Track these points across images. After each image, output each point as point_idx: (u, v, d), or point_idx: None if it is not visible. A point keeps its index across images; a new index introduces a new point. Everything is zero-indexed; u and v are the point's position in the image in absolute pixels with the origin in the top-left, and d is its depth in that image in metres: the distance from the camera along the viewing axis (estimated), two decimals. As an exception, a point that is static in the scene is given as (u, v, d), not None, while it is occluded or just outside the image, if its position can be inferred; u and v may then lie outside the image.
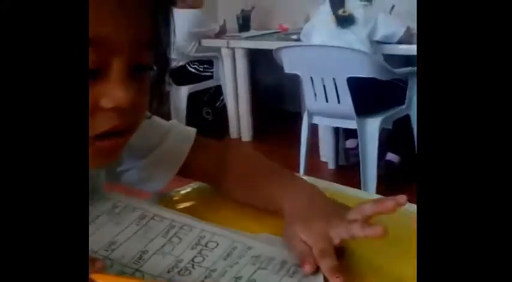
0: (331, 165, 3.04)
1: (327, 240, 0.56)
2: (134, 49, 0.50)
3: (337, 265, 0.53)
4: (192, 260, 0.57)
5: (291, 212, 0.62)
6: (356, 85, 2.30)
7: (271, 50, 2.58)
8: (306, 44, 2.64)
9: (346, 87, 2.31)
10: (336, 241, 0.55)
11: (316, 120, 2.60)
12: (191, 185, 0.82)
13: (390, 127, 2.57)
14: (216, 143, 0.79)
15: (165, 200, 0.76)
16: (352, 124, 2.42)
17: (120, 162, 0.75)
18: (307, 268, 0.54)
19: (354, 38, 2.45)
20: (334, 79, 2.33)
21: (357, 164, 2.56)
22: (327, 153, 3.07)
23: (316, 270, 0.54)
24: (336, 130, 2.98)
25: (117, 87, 0.50)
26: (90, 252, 0.57)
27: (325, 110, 2.48)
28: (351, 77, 2.29)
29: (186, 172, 0.76)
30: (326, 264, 0.53)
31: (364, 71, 2.27)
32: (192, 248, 0.59)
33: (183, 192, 0.81)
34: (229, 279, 0.53)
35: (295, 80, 3.35)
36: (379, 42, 2.52)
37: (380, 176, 2.43)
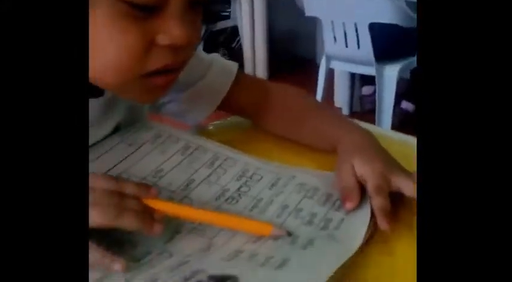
0: (345, 111, 3.05)
1: (386, 180, 0.56)
2: None
3: (389, 207, 0.54)
4: (238, 189, 0.59)
5: (348, 147, 0.62)
6: (377, 31, 2.28)
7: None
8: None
9: (368, 32, 2.29)
10: (394, 188, 0.56)
11: (334, 64, 2.58)
12: (229, 119, 0.84)
13: (408, 77, 2.56)
14: (258, 79, 0.80)
15: (204, 132, 0.78)
16: (370, 70, 2.41)
17: None
18: (349, 205, 0.55)
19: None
20: (355, 24, 2.31)
21: (371, 111, 2.57)
22: (341, 99, 3.07)
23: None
24: (352, 76, 2.97)
25: (175, 24, 0.51)
26: (138, 179, 0.59)
27: (344, 54, 2.46)
28: (372, 23, 2.26)
29: (226, 106, 0.77)
30: (379, 201, 0.54)
31: (386, 17, 2.24)
32: (237, 179, 0.61)
33: (221, 125, 0.82)
34: (276, 207, 0.55)
35: (311, 26, 3.32)
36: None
37: (394, 124, 2.44)
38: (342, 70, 2.81)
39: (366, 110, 2.97)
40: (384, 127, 2.44)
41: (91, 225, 0.45)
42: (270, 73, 3.64)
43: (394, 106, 2.47)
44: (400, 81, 2.48)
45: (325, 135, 0.68)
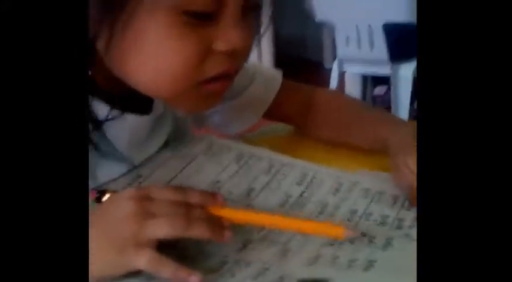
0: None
1: None
2: None
3: None
4: (301, 195, 0.59)
5: (399, 143, 0.61)
6: (392, 30, 2.28)
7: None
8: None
9: (381, 32, 2.28)
10: None
11: (346, 67, 2.58)
12: (268, 126, 0.83)
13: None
14: (301, 85, 0.80)
15: (248, 140, 0.77)
16: (384, 70, 2.40)
17: None
18: None
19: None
20: (369, 25, 2.31)
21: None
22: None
23: None
24: (364, 77, 2.96)
25: (232, 30, 0.51)
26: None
27: (357, 56, 2.46)
28: (387, 23, 2.26)
29: (270, 114, 0.77)
30: None
31: (401, 16, 2.23)
32: (298, 184, 0.60)
33: (261, 133, 0.82)
34: (345, 212, 0.55)
35: (317, 29, 3.32)
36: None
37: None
38: (355, 72, 2.81)
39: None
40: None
41: (161, 237, 0.45)
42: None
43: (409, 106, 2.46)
44: (414, 81, 2.47)
45: (373, 135, 0.68)
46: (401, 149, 0.60)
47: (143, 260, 0.44)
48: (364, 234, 0.50)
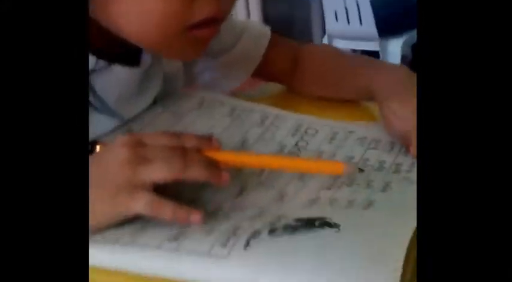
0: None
1: None
2: None
3: None
4: (296, 144, 0.58)
5: (383, 89, 0.60)
6: (379, 5, 2.27)
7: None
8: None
9: (370, 8, 2.28)
10: None
11: (336, 43, 2.58)
12: (260, 86, 0.82)
13: (410, 54, 2.55)
14: (289, 41, 0.78)
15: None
16: (374, 46, 2.41)
17: (194, 63, 0.75)
18: (415, 151, 0.53)
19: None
20: (357, 1, 2.30)
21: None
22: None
23: None
24: (354, 52, 2.96)
25: None
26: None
27: (346, 32, 2.46)
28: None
29: (260, 72, 0.76)
30: None
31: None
32: (293, 135, 0.59)
33: (255, 92, 0.81)
34: (341, 159, 0.54)
35: (305, 8, 3.30)
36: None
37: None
38: (344, 48, 2.80)
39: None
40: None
41: (158, 180, 0.44)
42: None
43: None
44: (402, 58, 2.48)
45: (357, 84, 0.67)
46: (385, 96, 0.59)
47: (140, 203, 0.43)
48: (361, 170, 0.49)
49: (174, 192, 0.49)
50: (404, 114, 0.54)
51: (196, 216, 0.43)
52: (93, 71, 0.56)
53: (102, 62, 0.57)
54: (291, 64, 0.76)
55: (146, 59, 0.63)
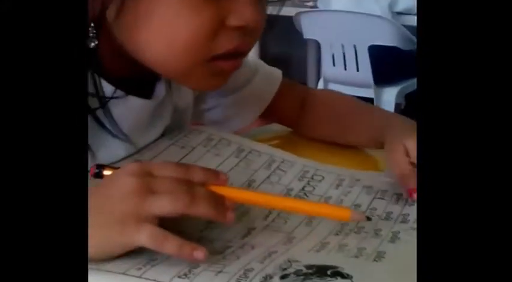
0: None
1: None
2: None
3: None
4: (303, 189, 0.58)
5: (399, 130, 0.61)
6: (376, 53, 2.31)
7: (284, 16, 2.56)
8: (328, 9, 2.63)
9: (367, 55, 2.32)
10: None
11: (331, 87, 2.60)
12: (264, 127, 0.83)
13: (403, 102, 2.58)
14: (297, 84, 0.80)
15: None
16: (368, 93, 2.43)
17: (204, 99, 0.76)
18: (416, 195, 0.53)
19: (375, 6, 2.45)
20: (355, 46, 2.34)
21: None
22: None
23: None
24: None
25: (247, 5, 0.50)
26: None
27: (342, 77, 2.49)
28: (372, 45, 2.29)
29: (268, 113, 0.77)
30: None
31: (387, 39, 2.27)
32: (299, 180, 0.60)
33: (258, 132, 0.82)
34: (348, 205, 0.55)
35: (302, 48, 3.34)
36: (399, 13, 2.52)
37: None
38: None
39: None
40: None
41: (164, 213, 0.44)
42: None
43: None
44: (396, 106, 2.50)
45: (372, 131, 0.68)
46: (399, 135, 0.60)
47: (144, 235, 0.43)
48: (369, 218, 0.49)
49: (180, 229, 0.49)
50: (412, 144, 0.56)
51: (200, 253, 0.42)
52: (112, 98, 0.57)
53: (119, 92, 0.58)
54: (299, 107, 0.77)
55: (160, 91, 0.64)
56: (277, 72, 0.77)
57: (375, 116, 0.70)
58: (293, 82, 0.79)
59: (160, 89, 0.64)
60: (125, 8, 0.50)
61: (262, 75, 0.75)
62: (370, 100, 2.44)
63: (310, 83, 3.26)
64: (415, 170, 0.55)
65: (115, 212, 0.43)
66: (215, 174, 0.48)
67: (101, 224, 0.43)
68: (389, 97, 2.40)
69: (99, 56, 0.55)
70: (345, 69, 2.43)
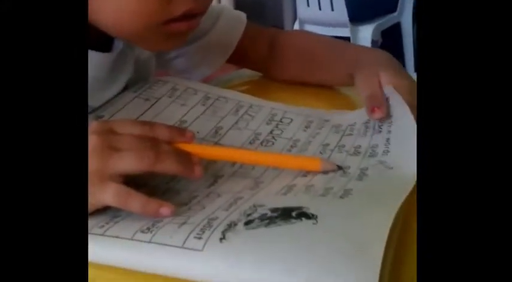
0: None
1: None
2: None
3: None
4: (271, 132, 0.57)
5: (371, 62, 0.60)
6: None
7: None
8: None
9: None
10: None
11: (307, 28, 2.57)
12: (234, 72, 0.81)
13: (380, 38, 2.56)
14: (264, 28, 0.77)
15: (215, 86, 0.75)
16: (344, 32, 2.40)
17: None
18: (377, 114, 0.53)
19: None
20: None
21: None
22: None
23: None
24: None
25: None
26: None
27: (317, 17, 2.45)
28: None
29: (235, 58, 0.75)
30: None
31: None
32: (267, 123, 0.59)
33: (226, 79, 0.80)
34: (317, 146, 0.54)
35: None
36: None
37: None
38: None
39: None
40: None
41: (128, 171, 0.43)
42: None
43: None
44: (373, 44, 2.48)
45: (344, 66, 0.66)
46: (372, 66, 0.59)
47: (109, 194, 0.42)
48: (340, 167, 0.48)
49: (146, 181, 0.48)
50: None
51: (166, 209, 0.42)
52: None
53: None
54: (268, 50, 0.75)
55: (118, 44, 0.62)
56: (241, 16, 0.75)
57: (346, 51, 0.68)
58: (258, 26, 0.77)
59: (118, 42, 0.61)
60: None
61: (226, 20, 0.73)
62: (346, 39, 2.41)
63: (287, 24, 3.22)
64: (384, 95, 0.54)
65: None
66: (181, 132, 0.48)
67: None
68: (365, 34, 2.38)
69: None
70: (320, 9, 2.39)
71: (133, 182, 0.44)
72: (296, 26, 2.58)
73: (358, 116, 0.57)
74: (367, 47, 0.68)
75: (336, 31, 2.47)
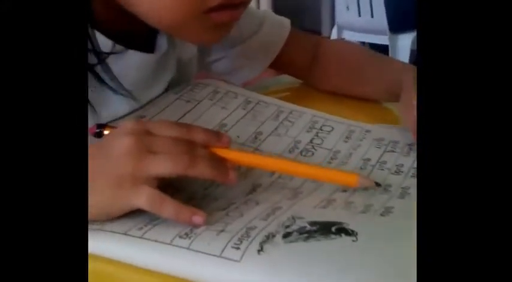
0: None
1: None
2: None
3: None
4: (311, 141, 0.57)
5: (411, 83, 0.58)
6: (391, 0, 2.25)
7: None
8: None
9: (382, 1, 2.26)
10: None
11: (345, 34, 2.55)
12: (274, 78, 0.81)
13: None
14: (307, 34, 0.77)
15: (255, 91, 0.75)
16: (383, 40, 2.38)
17: (210, 51, 0.73)
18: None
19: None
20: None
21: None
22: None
23: None
24: (362, 45, 2.94)
25: None
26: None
27: (356, 24, 2.44)
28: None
29: (277, 64, 0.75)
30: None
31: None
32: (308, 131, 0.58)
33: (268, 84, 0.80)
34: (357, 160, 0.53)
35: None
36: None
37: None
38: (353, 40, 2.78)
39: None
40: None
41: (162, 175, 0.42)
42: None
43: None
44: (411, 52, 2.45)
45: (386, 82, 0.66)
46: (411, 92, 0.57)
47: (142, 197, 0.41)
48: (378, 184, 0.47)
49: (184, 186, 0.48)
50: None
51: (199, 218, 0.41)
52: (110, 54, 0.56)
53: (119, 47, 0.56)
54: (310, 58, 0.75)
55: (161, 45, 0.62)
56: (286, 22, 0.74)
57: (389, 68, 0.67)
58: (303, 33, 0.77)
59: (162, 42, 0.62)
60: None
61: (270, 25, 0.73)
62: (384, 47, 2.39)
63: (325, 30, 3.21)
64: None
65: (113, 173, 0.42)
66: (217, 136, 0.47)
67: (101, 186, 0.42)
68: (404, 44, 2.35)
69: (93, 9, 0.53)
70: (359, 15, 2.37)
71: (171, 186, 0.44)
72: (334, 32, 2.57)
73: (402, 134, 0.56)
74: (410, 66, 0.66)
75: (375, 38, 2.46)
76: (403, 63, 0.72)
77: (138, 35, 0.59)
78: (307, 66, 0.74)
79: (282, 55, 0.73)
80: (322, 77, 0.73)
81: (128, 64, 0.58)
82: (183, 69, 0.69)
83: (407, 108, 0.56)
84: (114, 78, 0.57)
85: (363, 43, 2.84)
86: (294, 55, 0.74)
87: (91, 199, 0.37)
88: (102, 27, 0.55)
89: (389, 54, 2.38)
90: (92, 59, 0.54)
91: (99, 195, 0.41)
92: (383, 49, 2.43)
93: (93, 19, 0.53)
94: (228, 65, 0.74)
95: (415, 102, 0.53)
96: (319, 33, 3.66)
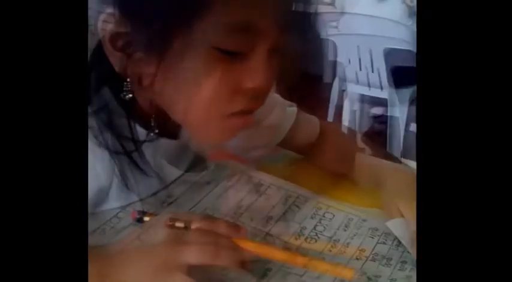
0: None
1: None
2: (277, 33, 0.54)
3: None
4: (314, 228, 0.65)
5: (392, 187, 0.68)
6: (391, 55, 2.35)
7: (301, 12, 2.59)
8: (345, 12, 2.67)
9: (382, 57, 2.36)
10: None
11: (346, 86, 2.65)
12: (281, 153, 0.90)
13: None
14: (310, 117, 0.86)
15: (262, 164, 0.82)
16: (382, 93, 2.48)
17: None
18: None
19: (392, 9, 2.48)
20: (370, 49, 2.38)
21: (379, 132, 2.65)
22: (351, 118, 3.13)
23: None
24: (363, 97, 3.03)
25: (259, 69, 0.55)
26: (220, 215, 0.66)
27: (357, 77, 2.53)
28: (387, 48, 2.34)
29: (284, 142, 0.84)
30: None
31: (402, 43, 2.31)
32: (312, 217, 0.67)
33: (276, 158, 0.88)
34: (354, 250, 0.62)
35: (318, 44, 3.37)
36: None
37: (404, 146, 2.52)
38: (353, 92, 2.88)
39: (376, 130, 3.04)
40: (394, 149, 2.51)
41: (193, 263, 0.51)
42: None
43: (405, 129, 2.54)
44: (410, 106, 2.55)
45: (371, 173, 0.75)
46: (393, 193, 0.67)
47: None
48: (370, 279, 0.56)
49: (204, 269, 0.56)
50: (405, 214, 0.64)
51: None
52: (145, 142, 0.64)
53: (151, 135, 0.65)
54: (312, 139, 0.84)
55: (185, 133, 0.71)
56: (293, 107, 0.83)
57: (373, 164, 0.76)
58: (306, 115, 0.86)
59: (185, 131, 0.71)
60: (157, 78, 0.56)
61: (280, 110, 0.82)
62: (383, 100, 2.49)
63: (327, 78, 3.29)
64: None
65: (151, 260, 0.51)
66: (237, 228, 0.56)
67: (141, 270, 0.51)
68: (403, 98, 2.45)
69: (137, 105, 0.62)
70: (360, 69, 2.48)
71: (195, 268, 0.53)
72: (336, 83, 2.66)
73: (394, 228, 0.64)
74: (392, 165, 0.76)
75: (375, 92, 2.55)
76: (386, 162, 0.78)
77: (166, 125, 0.67)
78: (310, 145, 0.85)
79: (289, 136, 0.83)
80: (319, 158, 0.83)
81: (157, 149, 0.67)
82: (200, 150, 0.78)
83: (387, 207, 0.66)
84: (146, 162, 0.65)
85: (363, 95, 2.94)
86: (297, 137, 0.84)
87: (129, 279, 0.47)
88: (140, 119, 0.63)
89: (389, 108, 2.48)
90: (130, 146, 0.63)
91: (139, 280, 0.50)
92: (382, 102, 2.53)
93: (134, 113, 0.62)
94: (241, 145, 0.82)
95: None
96: (321, 78, 3.77)
